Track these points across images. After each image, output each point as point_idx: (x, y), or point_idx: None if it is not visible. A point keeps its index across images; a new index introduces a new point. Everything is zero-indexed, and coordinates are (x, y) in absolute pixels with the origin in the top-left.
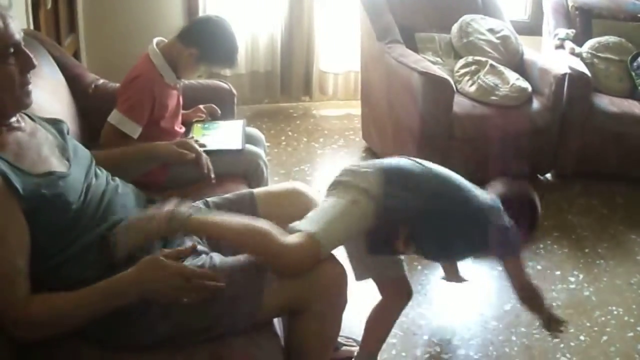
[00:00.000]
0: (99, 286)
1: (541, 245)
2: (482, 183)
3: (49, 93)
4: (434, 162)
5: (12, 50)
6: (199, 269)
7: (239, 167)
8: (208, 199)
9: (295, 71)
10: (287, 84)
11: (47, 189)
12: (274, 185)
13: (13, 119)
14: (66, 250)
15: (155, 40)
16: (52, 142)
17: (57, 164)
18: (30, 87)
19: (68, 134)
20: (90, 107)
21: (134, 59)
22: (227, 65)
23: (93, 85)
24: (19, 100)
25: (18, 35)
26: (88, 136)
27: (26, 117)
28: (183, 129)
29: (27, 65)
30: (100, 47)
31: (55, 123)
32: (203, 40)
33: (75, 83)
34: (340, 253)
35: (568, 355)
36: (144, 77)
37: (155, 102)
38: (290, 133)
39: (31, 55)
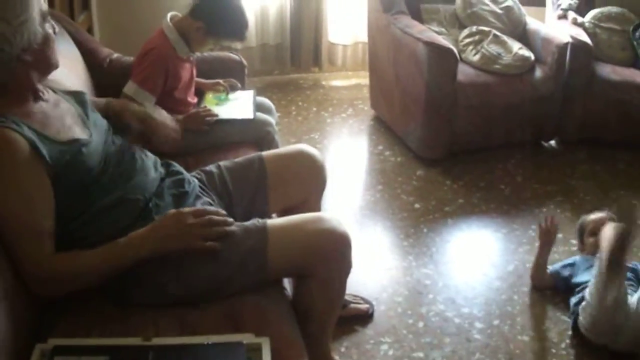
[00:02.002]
0: (118, 241)
1: (544, 209)
2: (486, 148)
3: (66, 67)
4: (439, 127)
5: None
6: (214, 212)
7: (250, 135)
8: (220, 163)
9: (305, 43)
10: (296, 55)
11: (71, 155)
12: (282, 148)
13: (39, 89)
14: (87, 212)
15: (169, 14)
16: (74, 112)
17: (79, 132)
18: (54, 45)
19: (89, 104)
20: (106, 80)
21: (145, 35)
22: (236, 39)
23: (108, 60)
24: (52, 65)
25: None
26: None
27: (49, 90)
28: (196, 100)
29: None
30: (113, 24)
31: (76, 95)
32: (210, 15)
33: (90, 57)
34: (349, 211)
35: (568, 314)
36: (158, 50)
37: (169, 73)
38: (300, 103)
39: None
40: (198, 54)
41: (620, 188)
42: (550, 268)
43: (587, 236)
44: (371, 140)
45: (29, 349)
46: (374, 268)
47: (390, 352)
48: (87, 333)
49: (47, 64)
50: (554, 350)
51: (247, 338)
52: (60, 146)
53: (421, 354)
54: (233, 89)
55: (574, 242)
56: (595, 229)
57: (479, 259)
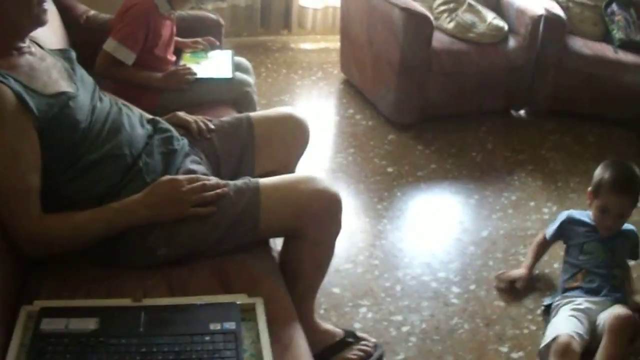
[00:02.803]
0: (112, 205)
1: (515, 177)
2: (458, 115)
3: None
4: (412, 93)
5: None
6: (207, 180)
7: (229, 95)
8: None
9: (275, 5)
10: (266, 17)
11: (58, 108)
12: (270, 109)
13: (25, 44)
14: (74, 167)
15: None
16: (60, 66)
17: (66, 86)
18: (46, 5)
19: (76, 61)
20: (82, 37)
21: None
22: None
23: (84, 17)
24: (37, 16)
25: None
26: (82, 66)
27: (36, 44)
28: (174, 58)
29: None
30: None
31: (62, 51)
32: None
33: (67, 14)
34: (322, 172)
35: (543, 281)
36: (139, 7)
37: (150, 30)
38: (269, 65)
39: None
40: (178, 11)
41: (591, 160)
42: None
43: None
44: (341, 103)
45: (14, 311)
46: (350, 230)
47: (369, 315)
48: (72, 294)
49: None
50: (530, 317)
51: (240, 298)
52: (47, 99)
53: (400, 317)
54: (212, 47)
55: (546, 210)
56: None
57: (452, 224)
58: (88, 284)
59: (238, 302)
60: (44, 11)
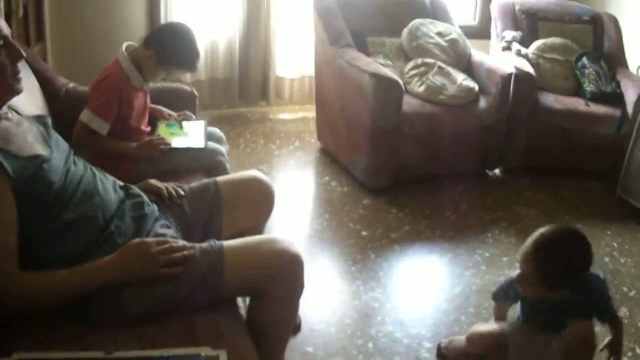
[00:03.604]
0: (86, 266)
1: (489, 235)
2: (432, 177)
3: (23, 94)
4: (385, 157)
5: (1, 42)
6: (175, 242)
7: (202, 164)
8: None
9: (253, 77)
10: (245, 89)
11: (33, 170)
12: (237, 173)
13: (2, 111)
14: (50, 227)
15: (125, 44)
16: (35, 131)
17: (41, 149)
18: (21, 75)
19: (51, 126)
20: (62, 108)
21: (97, 65)
22: (186, 69)
23: (64, 89)
24: (11, 87)
25: (6, 30)
26: (61, 135)
27: (13, 111)
28: (149, 128)
29: (16, 55)
30: (66, 54)
31: (38, 117)
32: (161, 44)
33: (47, 86)
34: (298, 240)
35: None
36: (112, 78)
37: (122, 101)
38: (248, 136)
39: (19, 47)
40: (151, 83)
41: (566, 214)
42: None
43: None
44: (318, 171)
45: None
46: (324, 293)
47: None
48: (49, 349)
49: (2, 93)
50: None
51: (205, 351)
52: (22, 161)
53: None
54: (187, 120)
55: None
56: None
57: (426, 283)
58: (63, 341)
59: (202, 355)
60: (19, 81)
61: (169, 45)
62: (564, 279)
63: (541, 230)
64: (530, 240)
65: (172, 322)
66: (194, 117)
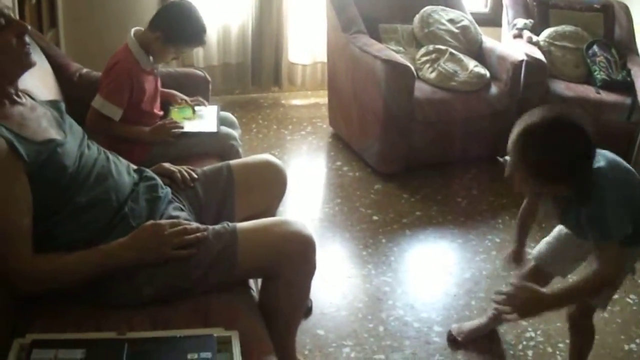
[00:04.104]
0: (100, 248)
1: (500, 221)
2: (443, 163)
3: (38, 80)
4: (396, 143)
5: (2, 21)
6: (188, 224)
7: (215, 148)
8: None
9: (266, 63)
10: (257, 75)
11: (47, 154)
12: (249, 157)
13: (14, 93)
14: (64, 210)
15: (133, 29)
16: (49, 116)
17: (54, 134)
18: (29, 47)
19: (65, 111)
20: (75, 93)
21: (110, 50)
22: (193, 44)
23: (77, 74)
24: (21, 60)
25: (6, 10)
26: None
27: (27, 96)
28: (162, 112)
29: (20, 29)
30: (79, 40)
31: (52, 102)
32: (166, 23)
33: (60, 72)
34: (309, 222)
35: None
36: (122, 64)
37: (133, 86)
38: (260, 121)
39: (21, 21)
40: (162, 68)
41: None
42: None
43: None
44: (330, 156)
45: (8, 343)
46: (335, 277)
47: (352, 355)
48: (62, 329)
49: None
50: (511, 352)
51: (217, 331)
52: (36, 146)
53: (382, 356)
54: (200, 106)
55: (529, 250)
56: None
57: (436, 267)
58: (77, 321)
59: (215, 335)
60: (27, 54)
61: (174, 24)
62: (551, 170)
63: (530, 114)
64: (516, 126)
65: (186, 304)
66: (206, 104)
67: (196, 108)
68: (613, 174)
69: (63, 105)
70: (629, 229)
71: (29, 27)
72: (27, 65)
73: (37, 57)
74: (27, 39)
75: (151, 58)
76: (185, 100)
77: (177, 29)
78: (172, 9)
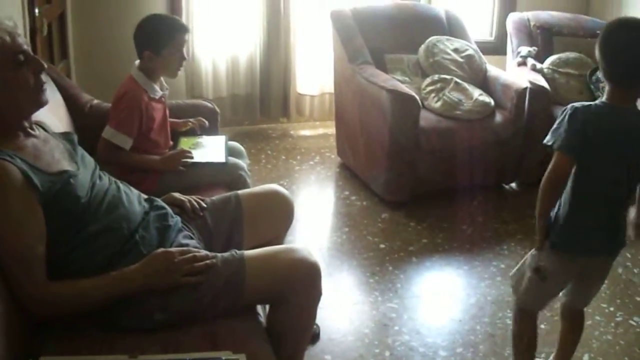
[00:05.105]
0: (112, 274)
1: (505, 247)
2: (449, 191)
3: (49, 111)
4: (403, 172)
5: (22, 58)
6: (197, 252)
7: (223, 178)
8: None
9: (274, 94)
10: (266, 106)
11: (61, 185)
12: (257, 187)
13: (28, 126)
14: (77, 237)
15: (136, 62)
16: (62, 148)
17: (67, 165)
18: (45, 86)
19: (77, 143)
20: (86, 124)
21: (120, 82)
22: (178, 34)
23: (89, 105)
24: (36, 98)
25: (26, 46)
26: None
27: (40, 128)
28: (171, 143)
29: (38, 67)
30: (89, 72)
31: (65, 134)
32: (144, 39)
33: (72, 103)
34: (318, 250)
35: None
36: (130, 94)
37: (143, 115)
38: (269, 152)
39: (40, 59)
40: (171, 100)
41: None
42: None
43: None
44: (337, 186)
45: None
46: (342, 303)
47: None
48: (75, 353)
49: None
50: None
51: (225, 355)
52: (50, 177)
53: None
54: (203, 128)
55: None
56: None
57: (442, 294)
58: (90, 343)
59: (223, 358)
60: (43, 92)
61: (149, 34)
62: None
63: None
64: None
65: (195, 328)
66: (207, 124)
67: (204, 138)
68: (604, 112)
69: (75, 138)
70: (563, 150)
71: (46, 65)
72: (41, 103)
73: (49, 89)
74: (44, 77)
75: (157, 86)
76: (188, 121)
77: (154, 34)
78: (139, 28)
